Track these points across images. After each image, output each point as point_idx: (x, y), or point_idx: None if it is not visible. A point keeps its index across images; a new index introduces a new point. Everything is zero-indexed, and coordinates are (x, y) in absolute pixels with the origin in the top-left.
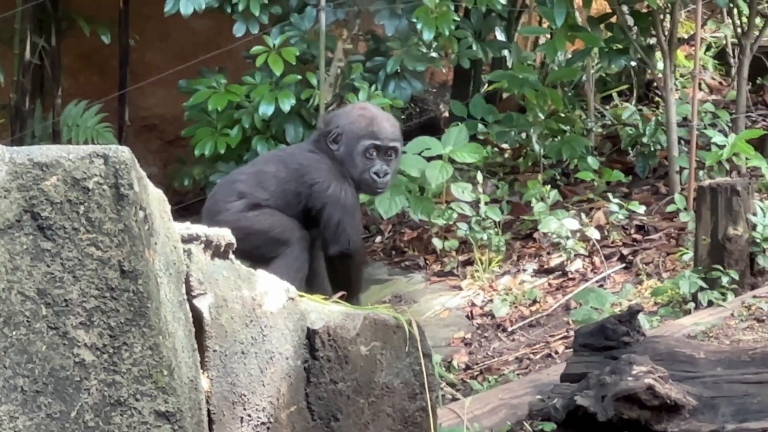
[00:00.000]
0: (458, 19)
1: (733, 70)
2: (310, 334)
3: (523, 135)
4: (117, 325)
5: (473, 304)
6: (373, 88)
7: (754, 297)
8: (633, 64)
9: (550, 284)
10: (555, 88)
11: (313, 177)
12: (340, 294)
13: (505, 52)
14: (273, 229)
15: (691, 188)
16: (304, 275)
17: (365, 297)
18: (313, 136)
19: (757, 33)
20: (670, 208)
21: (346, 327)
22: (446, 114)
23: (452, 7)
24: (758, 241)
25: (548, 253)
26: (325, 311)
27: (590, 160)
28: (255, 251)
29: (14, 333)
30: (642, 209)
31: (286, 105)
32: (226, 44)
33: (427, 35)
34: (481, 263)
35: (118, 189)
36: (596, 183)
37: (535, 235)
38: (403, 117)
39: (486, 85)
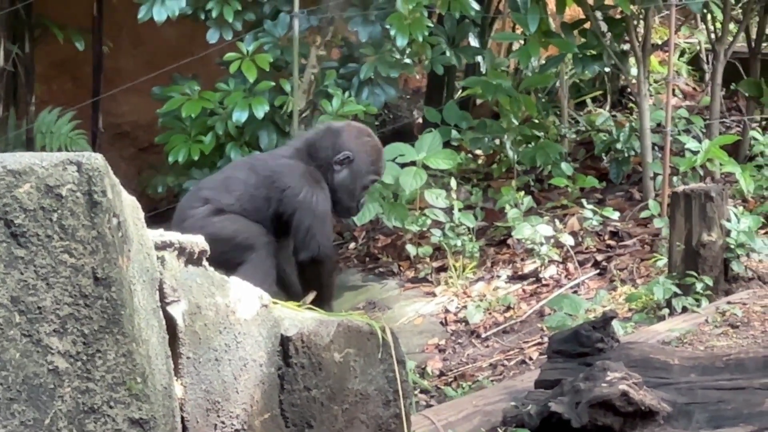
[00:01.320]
0: (432, 25)
1: (707, 76)
2: (284, 341)
3: (497, 141)
4: (90, 333)
5: (447, 311)
6: (346, 94)
7: (729, 303)
8: (607, 70)
9: (524, 290)
10: (529, 95)
11: (285, 182)
12: (311, 295)
13: (479, 59)
14: (238, 235)
15: (665, 194)
16: (273, 280)
17: (339, 303)
18: (296, 143)
19: (730, 39)
20: (644, 214)
21: (320, 334)
22: (420, 120)
23: (425, 14)
24: (732, 247)
25: (522, 260)
26: (299, 318)
27: (564, 166)
28: (221, 257)
29: None
30: (616, 215)
31: (260, 112)
32: (200, 51)
33: (401, 41)
34: (455, 269)
35: (92, 196)
36: (570, 189)
37: (509, 241)
38: (376, 123)
39: (459, 91)
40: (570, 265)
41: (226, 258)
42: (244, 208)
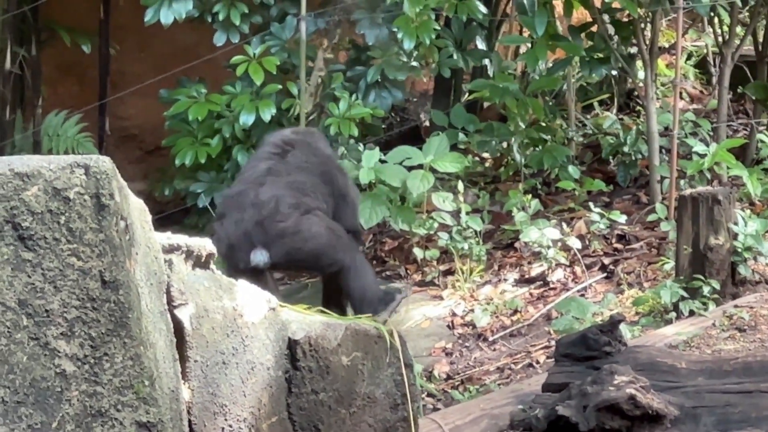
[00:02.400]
0: (439, 28)
1: (714, 79)
2: (292, 345)
3: (504, 144)
4: (98, 336)
5: (454, 314)
6: (353, 97)
7: (736, 307)
8: (614, 73)
9: (531, 294)
10: (536, 98)
11: (338, 178)
12: None
13: (486, 62)
14: (342, 235)
15: (672, 197)
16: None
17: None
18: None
19: (737, 42)
20: (651, 218)
21: (328, 337)
22: (427, 123)
23: (433, 17)
24: (739, 250)
25: (529, 263)
26: (307, 321)
27: (571, 169)
28: (313, 258)
29: None
30: (623, 219)
31: (267, 114)
32: (207, 54)
33: (408, 44)
34: (462, 273)
35: (99, 199)
36: (577, 192)
37: (516, 244)
38: (383, 126)
39: (467, 94)
40: (577, 269)
41: (320, 257)
42: (323, 208)
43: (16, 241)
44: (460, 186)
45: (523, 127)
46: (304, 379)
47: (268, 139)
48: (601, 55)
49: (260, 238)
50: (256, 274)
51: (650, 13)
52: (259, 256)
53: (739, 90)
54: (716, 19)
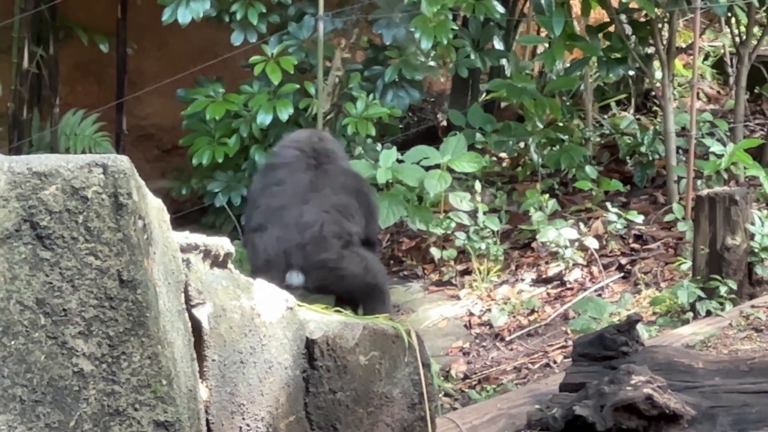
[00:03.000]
0: (456, 28)
1: (731, 80)
2: (309, 344)
3: (522, 144)
4: (116, 335)
5: (471, 314)
6: (371, 97)
7: (753, 307)
8: (631, 73)
9: (548, 294)
10: (553, 98)
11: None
12: None
13: (504, 61)
14: (381, 270)
15: (689, 198)
16: None
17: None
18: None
19: (755, 42)
20: (668, 218)
21: (345, 337)
22: (444, 123)
23: (450, 16)
24: (756, 250)
25: (546, 263)
26: (324, 321)
27: (588, 169)
28: (356, 288)
29: (13, 342)
30: (640, 219)
31: (284, 114)
32: (224, 53)
33: (426, 44)
34: (480, 273)
35: (117, 198)
36: (594, 192)
37: (534, 244)
38: (401, 126)
39: (484, 94)
40: (594, 269)
41: (352, 294)
42: (359, 231)
43: (34, 240)
44: (478, 186)
45: (541, 127)
46: (322, 379)
47: (294, 141)
48: (618, 56)
49: (299, 261)
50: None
51: (668, 14)
52: (295, 278)
53: (756, 90)
54: (733, 20)
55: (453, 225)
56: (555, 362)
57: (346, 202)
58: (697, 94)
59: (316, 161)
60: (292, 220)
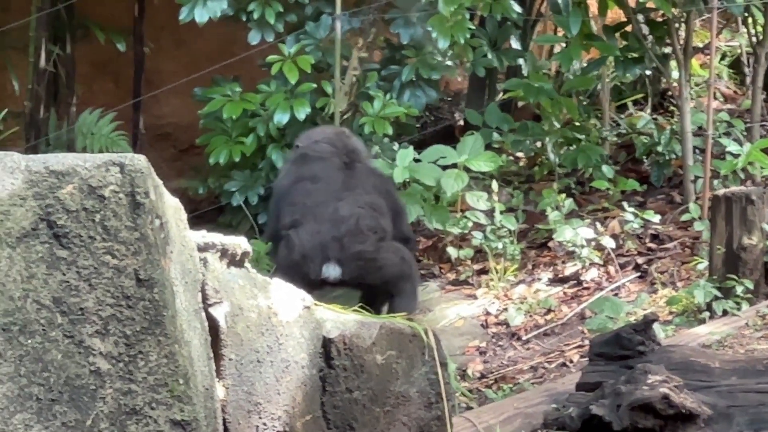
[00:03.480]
0: (473, 27)
1: (748, 79)
2: (326, 343)
3: (539, 144)
4: (133, 334)
5: (488, 313)
6: (387, 96)
7: None
8: (648, 73)
9: (565, 293)
10: (570, 97)
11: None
12: None
13: (520, 61)
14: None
15: (706, 197)
16: None
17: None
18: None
19: None
20: (684, 218)
21: (362, 336)
22: (461, 123)
23: (467, 16)
24: None
25: (563, 262)
26: (341, 320)
27: (605, 169)
28: (382, 280)
29: (30, 341)
30: (657, 218)
31: (301, 113)
32: (241, 52)
33: (443, 44)
34: (496, 272)
35: (134, 197)
36: (611, 192)
37: (550, 243)
38: (418, 125)
39: (501, 93)
40: (611, 268)
41: (387, 284)
42: (391, 229)
43: (51, 239)
44: (495, 185)
45: (558, 126)
46: (339, 378)
47: (325, 137)
48: (635, 55)
49: (336, 253)
50: (322, 286)
51: (684, 13)
52: (332, 270)
53: None
54: (750, 19)
55: (470, 224)
56: (571, 361)
57: (378, 202)
58: (714, 93)
59: (348, 158)
60: (327, 215)
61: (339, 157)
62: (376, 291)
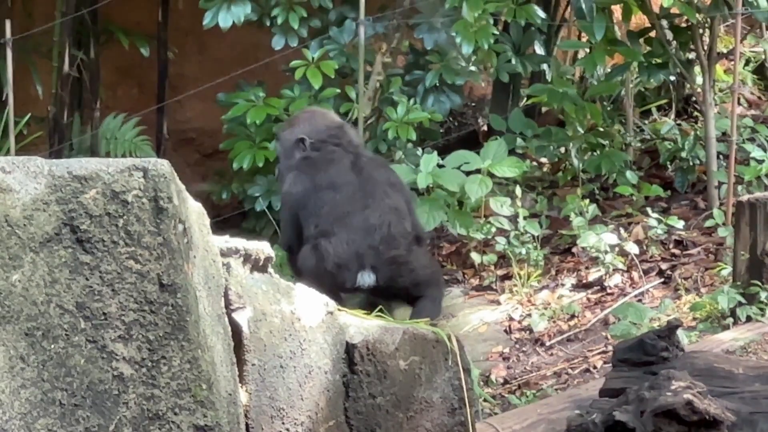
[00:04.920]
0: (497, 33)
1: None
2: (349, 348)
3: (562, 149)
4: (156, 339)
5: (511, 319)
6: (411, 101)
7: None
8: (672, 78)
9: (588, 299)
10: (594, 103)
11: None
12: None
13: (544, 66)
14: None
15: (730, 203)
16: None
17: (403, 311)
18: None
19: None
20: (708, 223)
21: (385, 341)
22: (485, 128)
23: (491, 21)
24: None
25: (587, 268)
26: (364, 325)
27: (629, 174)
28: (411, 285)
29: (53, 346)
30: (681, 224)
31: None
32: (265, 57)
33: (467, 49)
34: (520, 278)
35: (158, 202)
36: (635, 197)
37: (574, 249)
38: (441, 131)
39: (525, 99)
40: (635, 274)
41: (418, 286)
42: (410, 227)
43: (74, 244)
44: (518, 191)
45: (581, 132)
46: (362, 383)
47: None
48: (659, 61)
49: (371, 261)
50: (354, 293)
51: (708, 19)
52: (366, 278)
53: None
54: None
55: (493, 230)
56: (595, 367)
57: (400, 204)
58: (738, 99)
59: (353, 153)
60: (358, 224)
61: (345, 155)
62: (404, 294)
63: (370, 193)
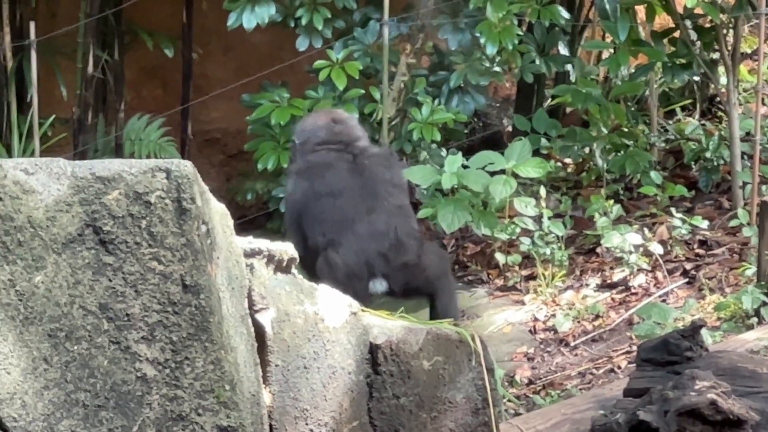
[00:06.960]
0: (521, 33)
1: None
2: (373, 349)
3: (587, 150)
4: (179, 340)
5: (536, 319)
6: (436, 102)
7: None
8: (696, 78)
9: (612, 299)
10: (618, 103)
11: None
12: None
13: (569, 67)
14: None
15: (754, 203)
16: None
17: (426, 312)
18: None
19: None
20: (733, 223)
21: (409, 342)
22: (509, 128)
23: (515, 22)
24: None
25: (611, 268)
26: (388, 326)
27: (653, 174)
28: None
29: (76, 347)
30: (705, 224)
31: None
32: (289, 58)
33: (491, 50)
34: (544, 278)
35: (181, 203)
36: (659, 198)
37: (598, 249)
38: (466, 131)
39: (549, 99)
40: (659, 274)
41: (430, 284)
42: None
43: (97, 245)
44: (543, 191)
45: (606, 132)
46: (386, 384)
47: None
48: (683, 61)
49: (382, 268)
50: (369, 300)
51: (732, 19)
52: (378, 285)
53: None
54: None
55: (518, 230)
56: (619, 367)
57: (403, 203)
58: (762, 99)
59: (350, 151)
60: (364, 231)
61: (344, 156)
62: (417, 292)
63: (372, 195)
